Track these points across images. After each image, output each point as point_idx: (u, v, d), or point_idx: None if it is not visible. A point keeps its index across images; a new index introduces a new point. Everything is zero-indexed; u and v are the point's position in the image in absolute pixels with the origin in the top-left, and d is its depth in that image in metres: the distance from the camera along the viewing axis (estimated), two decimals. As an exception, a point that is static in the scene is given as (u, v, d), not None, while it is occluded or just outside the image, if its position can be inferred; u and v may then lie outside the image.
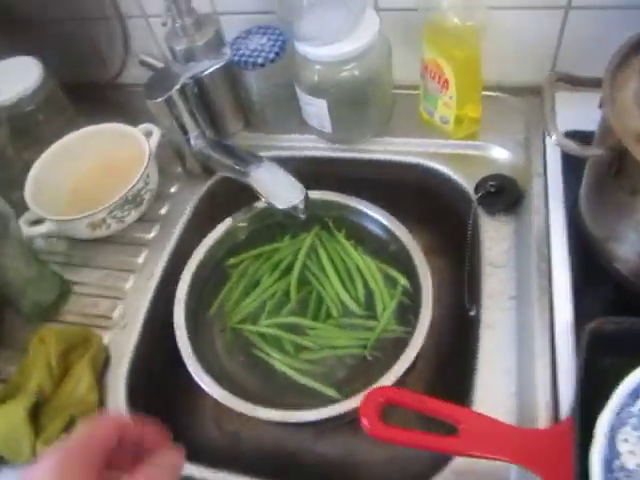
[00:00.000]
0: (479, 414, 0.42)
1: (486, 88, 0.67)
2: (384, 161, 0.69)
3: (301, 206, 0.51)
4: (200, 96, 0.67)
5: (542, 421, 0.46)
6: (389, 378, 0.51)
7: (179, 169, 0.74)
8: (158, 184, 0.70)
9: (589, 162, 0.54)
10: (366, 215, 0.65)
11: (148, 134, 0.70)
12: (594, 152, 0.45)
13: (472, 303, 0.59)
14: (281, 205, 0.51)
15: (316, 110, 0.64)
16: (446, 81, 0.61)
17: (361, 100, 0.64)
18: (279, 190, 0.51)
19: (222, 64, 0.66)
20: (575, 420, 0.41)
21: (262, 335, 0.61)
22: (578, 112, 0.60)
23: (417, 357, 0.53)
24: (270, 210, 0.62)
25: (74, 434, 0.35)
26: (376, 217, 0.64)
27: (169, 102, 0.62)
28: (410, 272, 0.60)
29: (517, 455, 0.39)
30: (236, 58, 0.65)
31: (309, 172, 0.69)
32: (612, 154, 0.45)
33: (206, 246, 0.64)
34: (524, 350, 0.51)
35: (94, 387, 0.55)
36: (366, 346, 0.58)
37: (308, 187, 0.59)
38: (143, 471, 0.33)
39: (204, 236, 0.65)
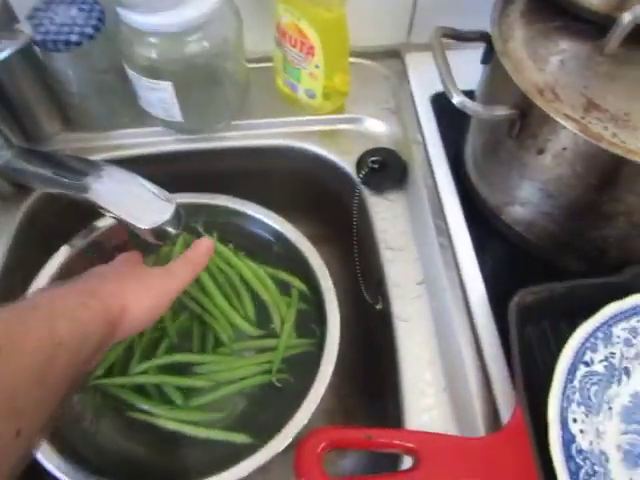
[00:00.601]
0: (436, 435, 0.36)
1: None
2: (248, 148, 0.59)
3: (172, 222, 0.38)
4: (-6, 92, 0.50)
5: (480, 412, 0.41)
6: (308, 407, 0.43)
7: (-21, 191, 0.56)
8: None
9: (477, 125, 0.51)
10: (240, 214, 0.55)
11: None
12: (501, 112, 0.41)
13: (376, 295, 0.53)
14: (145, 225, 0.37)
15: (160, 96, 0.51)
16: (311, 48, 0.52)
17: (213, 78, 0.52)
18: (136, 204, 0.38)
19: (19, 47, 0.49)
20: (524, 413, 0.37)
21: (137, 388, 0.48)
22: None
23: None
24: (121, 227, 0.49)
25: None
26: (253, 214, 0.54)
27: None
28: (304, 272, 0.52)
29: (487, 473, 0.34)
30: (39, 37, 0.49)
31: (159, 172, 0.56)
32: (515, 113, 0.41)
33: (39, 287, 0.48)
34: (444, 337, 0.46)
35: None
36: (271, 371, 0.49)
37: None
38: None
39: (33, 275, 0.49)
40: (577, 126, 0.38)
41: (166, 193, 0.39)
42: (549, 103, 0.39)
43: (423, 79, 0.62)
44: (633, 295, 0.42)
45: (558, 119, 0.38)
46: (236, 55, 0.54)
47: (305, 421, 0.42)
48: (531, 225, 0.47)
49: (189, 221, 0.53)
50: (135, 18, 0.47)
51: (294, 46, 0.54)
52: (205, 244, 0.43)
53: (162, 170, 0.57)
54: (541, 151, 0.42)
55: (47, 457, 0.40)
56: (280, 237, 0.53)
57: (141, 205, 0.38)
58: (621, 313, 0.41)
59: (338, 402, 0.58)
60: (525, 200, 0.46)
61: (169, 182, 0.52)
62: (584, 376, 0.39)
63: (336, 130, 0.60)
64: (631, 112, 0.39)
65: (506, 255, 0.51)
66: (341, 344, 0.47)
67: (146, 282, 0.40)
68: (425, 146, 0.56)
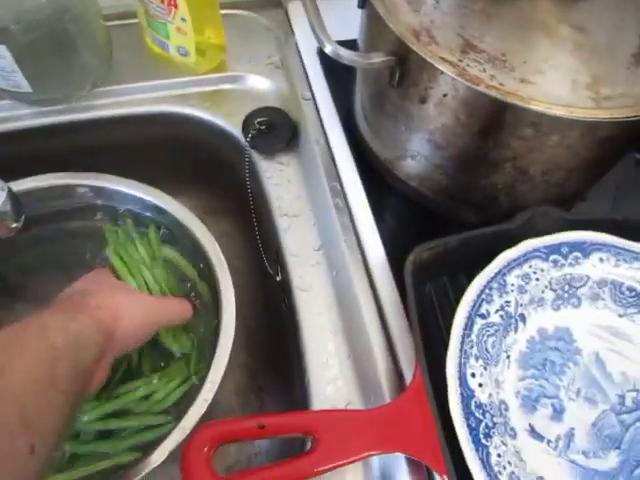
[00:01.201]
0: (332, 412, 0.34)
1: (221, 6, 0.55)
2: (118, 117, 0.53)
3: (7, 210, 0.32)
4: None
5: (385, 378, 0.40)
6: (203, 397, 0.39)
7: None
8: None
9: (361, 76, 0.48)
10: (116, 193, 0.49)
11: None
12: (375, 59, 0.38)
13: (276, 266, 0.50)
14: None
15: (-4, 62, 0.43)
16: (173, -1, 0.46)
17: (61, 39, 0.45)
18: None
19: None
20: (423, 373, 0.36)
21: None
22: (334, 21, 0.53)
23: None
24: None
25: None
26: (128, 192, 0.48)
27: None
28: (194, 251, 0.48)
29: (392, 441, 0.33)
30: None
31: (13, 153, 0.49)
32: (392, 60, 0.38)
33: None
34: (345, 304, 0.44)
35: None
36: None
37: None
38: None
39: None
40: (454, 70, 0.36)
41: (-1, 181, 0.33)
42: (425, 47, 0.37)
43: (309, 30, 0.58)
44: (524, 241, 0.41)
45: (435, 63, 0.36)
46: (85, 11, 0.46)
47: (202, 411, 0.39)
48: (424, 179, 0.46)
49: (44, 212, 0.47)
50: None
51: (156, -2, 0.47)
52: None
53: (16, 150, 0.50)
54: (423, 99, 0.39)
55: None
56: (165, 215, 0.48)
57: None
58: (513, 261, 0.41)
59: (250, 380, 0.55)
60: (415, 153, 0.44)
61: (23, 163, 0.46)
62: (481, 329, 0.39)
63: (218, 91, 0.55)
64: (507, 52, 0.37)
65: (403, 212, 0.49)
66: (247, 319, 0.44)
67: (135, 294, 0.42)
68: (315, 103, 0.53)
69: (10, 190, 0.32)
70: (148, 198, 0.48)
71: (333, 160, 0.49)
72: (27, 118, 0.51)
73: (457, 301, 0.43)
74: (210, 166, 0.57)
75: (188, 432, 0.38)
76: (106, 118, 0.53)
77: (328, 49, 0.38)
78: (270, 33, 0.59)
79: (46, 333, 0.31)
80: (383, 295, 0.43)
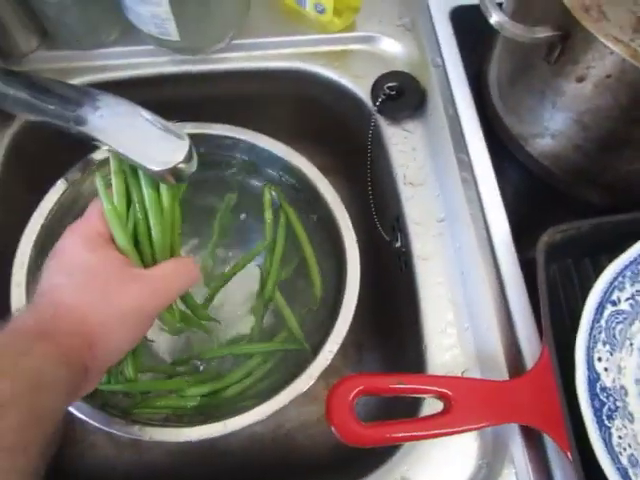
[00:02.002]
0: (465, 379, 0.36)
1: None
2: (250, 70, 0.54)
3: (186, 165, 0.34)
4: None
5: (504, 350, 0.41)
6: (330, 347, 0.42)
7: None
8: None
9: (506, 46, 0.46)
10: (245, 144, 0.50)
11: None
12: (544, 34, 0.37)
13: (393, 232, 0.51)
14: (157, 166, 0.33)
15: (152, 9, 0.45)
16: (319, -47, 0.46)
17: (211, -10, 0.46)
18: (144, 142, 0.33)
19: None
20: (552, 354, 0.37)
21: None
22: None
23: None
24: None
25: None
26: (259, 145, 0.49)
27: None
28: (317, 208, 0.49)
29: (514, 414, 0.34)
30: None
31: (150, 98, 0.51)
32: (557, 35, 0.37)
33: (34, 231, 0.44)
34: (466, 276, 0.45)
35: None
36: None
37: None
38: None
39: (26, 213, 0.46)
40: (626, 50, 0.34)
41: (177, 128, 0.35)
42: (595, 23, 0.36)
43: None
44: (663, 233, 0.40)
45: (606, 42, 0.34)
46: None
47: (327, 363, 0.41)
48: (559, 158, 0.45)
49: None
50: None
51: (302, -50, 0.47)
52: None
53: (153, 95, 0.52)
54: (581, 78, 0.38)
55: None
56: (290, 170, 0.50)
57: (150, 143, 0.34)
58: (650, 251, 0.40)
59: (352, 335, 0.57)
60: (556, 132, 0.43)
61: (162, 109, 0.48)
62: (610, 315, 0.39)
63: (347, 50, 0.55)
64: (687, 35, 0.36)
65: (530, 189, 0.49)
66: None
67: (118, 298, 0.32)
68: (445, 69, 0.52)
69: (191, 144, 0.34)
70: (278, 153, 0.49)
71: (461, 131, 0.49)
72: (167, 65, 0.53)
73: (580, 285, 0.43)
74: (332, 126, 0.58)
75: (313, 381, 0.41)
76: (238, 71, 0.54)
77: (494, 19, 0.37)
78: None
79: None
80: (505, 271, 0.43)
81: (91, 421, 0.39)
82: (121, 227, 0.36)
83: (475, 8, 0.55)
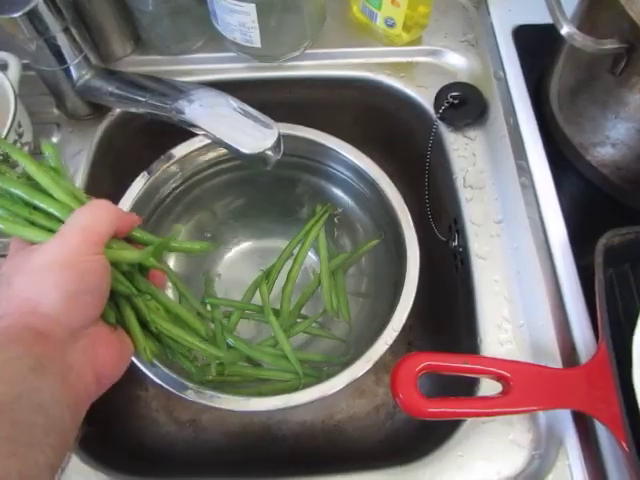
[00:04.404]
0: (524, 364, 0.37)
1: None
2: (322, 78, 0.58)
3: (272, 151, 0.37)
4: (75, 7, 0.49)
5: (559, 347, 0.43)
6: (389, 334, 0.44)
7: (55, 111, 0.56)
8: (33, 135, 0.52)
9: (569, 59, 0.49)
10: (319, 146, 0.53)
11: (2, 67, 0.51)
12: (612, 45, 0.39)
13: (449, 232, 0.54)
14: (248, 150, 0.37)
15: (240, 18, 0.50)
16: (393, -28, 0.50)
17: (294, 3, 0.51)
18: (237, 128, 0.37)
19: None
20: (609, 349, 0.38)
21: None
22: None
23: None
24: (204, 155, 0.49)
25: (73, 221, 0.31)
26: (332, 147, 0.53)
27: (33, 16, 0.44)
28: (382, 209, 0.52)
29: (567, 401, 0.36)
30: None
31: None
32: (624, 47, 0.39)
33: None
34: (523, 276, 0.47)
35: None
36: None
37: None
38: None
39: (115, 200, 0.50)
40: (694, 63, 0.36)
41: (267, 117, 0.39)
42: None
43: (504, 10, 0.60)
44: None
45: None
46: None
47: (386, 346, 0.43)
48: (620, 167, 0.47)
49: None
50: None
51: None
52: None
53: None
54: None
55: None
56: (359, 173, 0.53)
57: (243, 129, 0.38)
58: None
59: (409, 338, 0.59)
60: (617, 141, 0.45)
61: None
62: (668, 317, 0.40)
63: (412, 62, 0.58)
64: None
65: (588, 197, 0.50)
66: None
67: (35, 263, 0.29)
68: (506, 82, 0.55)
69: (279, 132, 0.38)
70: (348, 156, 0.52)
71: (521, 139, 0.51)
72: (247, 71, 0.58)
73: (638, 289, 0.44)
74: (394, 133, 0.61)
75: (369, 366, 0.43)
76: (310, 78, 0.58)
77: (565, 31, 0.40)
78: (466, 12, 0.61)
79: None
80: (562, 272, 0.45)
81: (167, 386, 0.42)
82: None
83: (537, 27, 0.58)
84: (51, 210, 0.32)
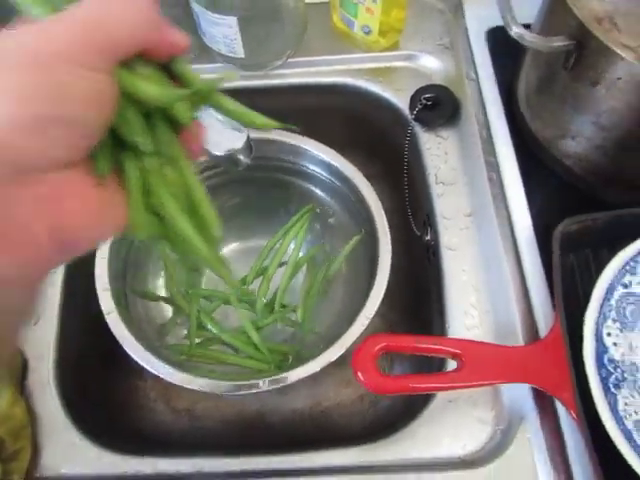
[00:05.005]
0: (477, 342, 0.40)
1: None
2: (305, 85, 0.62)
3: (242, 153, 0.41)
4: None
5: (522, 331, 0.45)
6: (360, 323, 0.47)
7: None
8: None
9: (531, 58, 0.51)
10: (296, 149, 0.57)
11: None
12: (559, 42, 0.42)
13: (424, 227, 0.56)
14: (220, 151, 0.41)
15: (223, 31, 0.54)
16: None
17: (275, 13, 0.55)
18: (208, 130, 0.41)
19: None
20: (562, 325, 0.40)
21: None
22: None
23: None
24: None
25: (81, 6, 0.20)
26: (308, 149, 0.57)
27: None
28: (359, 209, 0.55)
29: (522, 377, 0.38)
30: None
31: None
32: (572, 44, 0.42)
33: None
34: (490, 266, 0.49)
35: (17, 399, 0.46)
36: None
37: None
38: None
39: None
40: (634, 55, 0.39)
41: (236, 123, 0.42)
42: (606, 33, 0.40)
43: (479, 14, 0.62)
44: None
45: (615, 49, 0.39)
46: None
47: (358, 334, 0.46)
48: (580, 158, 0.49)
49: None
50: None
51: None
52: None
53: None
54: (596, 83, 0.43)
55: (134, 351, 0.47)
56: (337, 174, 0.56)
57: (213, 132, 0.41)
58: (663, 240, 0.43)
59: (386, 326, 0.62)
60: (577, 133, 0.47)
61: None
62: (621, 296, 0.42)
63: (390, 67, 0.61)
64: (691, 41, 0.39)
65: (553, 189, 0.52)
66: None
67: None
68: (478, 83, 0.57)
69: (248, 134, 0.41)
70: (325, 157, 0.56)
71: (491, 137, 0.54)
72: (235, 80, 0.61)
73: (598, 274, 0.46)
74: (374, 135, 0.64)
75: (344, 349, 0.46)
76: (294, 85, 0.62)
77: (514, 31, 0.42)
78: (443, 16, 0.64)
79: None
80: (527, 261, 0.47)
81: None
82: None
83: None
84: None
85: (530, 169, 0.52)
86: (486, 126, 0.55)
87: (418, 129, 0.58)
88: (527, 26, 0.50)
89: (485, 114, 0.55)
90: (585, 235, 0.45)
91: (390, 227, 0.53)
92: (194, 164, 0.26)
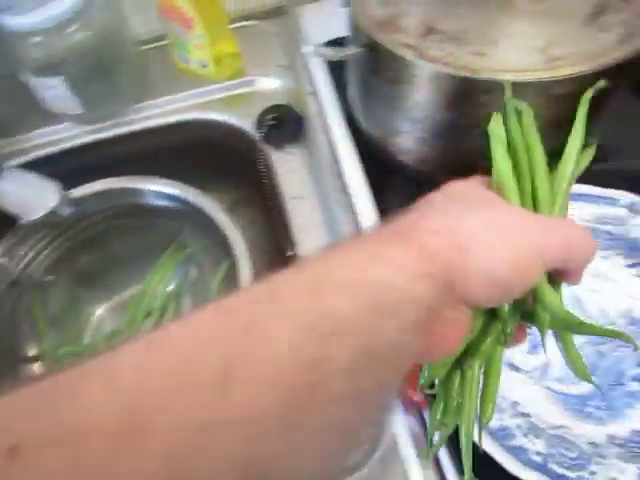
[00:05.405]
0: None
1: (233, 20, 0.63)
2: (153, 128, 0.62)
3: (60, 208, 0.41)
4: None
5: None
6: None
7: None
8: None
9: (350, 68, 0.53)
10: (145, 192, 0.58)
11: None
12: (347, 52, 0.44)
13: (287, 243, 0.57)
14: (37, 214, 0.41)
15: (54, 92, 0.54)
16: (190, 20, 0.55)
17: (104, 66, 0.55)
18: (30, 197, 0.41)
19: None
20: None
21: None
22: (333, 21, 0.60)
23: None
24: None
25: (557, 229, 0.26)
26: (165, 191, 0.57)
27: None
28: (218, 240, 0.56)
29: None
30: None
31: (75, 166, 0.60)
32: (362, 50, 0.44)
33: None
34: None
35: None
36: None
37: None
38: None
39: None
40: (413, 53, 0.41)
41: (52, 183, 0.42)
42: (389, 35, 0.42)
43: (312, 31, 0.64)
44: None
45: (394, 50, 0.41)
46: (124, 39, 0.56)
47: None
48: (410, 152, 0.51)
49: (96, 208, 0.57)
50: (7, 22, 0.49)
51: (176, 21, 0.56)
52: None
53: (76, 163, 0.60)
54: (396, 82, 0.44)
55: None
56: (188, 205, 0.57)
57: (32, 198, 0.41)
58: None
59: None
60: (399, 130, 0.49)
61: (86, 173, 0.56)
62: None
63: (236, 95, 0.63)
64: (466, 29, 0.42)
65: (397, 185, 0.54)
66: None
67: (509, 215, 0.25)
68: (317, 97, 0.59)
69: (62, 189, 0.41)
70: (179, 194, 0.56)
71: (334, 145, 0.55)
72: (81, 136, 0.61)
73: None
74: (234, 163, 0.65)
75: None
76: (146, 129, 0.62)
77: (305, 49, 0.44)
78: (280, 38, 0.66)
79: (320, 288, 0.19)
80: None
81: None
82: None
83: (338, 41, 0.63)
84: (540, 189, 0.30)
85: (374, 170, 0.54)
86: (329, 136, 0.56)
87: (269, 150, 0.59)
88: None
89: (327, 125, 0.57)
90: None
91: (255, 247, 0.53)
92: None
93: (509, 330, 0.28)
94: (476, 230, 0.23)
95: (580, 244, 0.26)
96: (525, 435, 0.37)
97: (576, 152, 0.32)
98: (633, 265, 0.45)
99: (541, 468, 0.35)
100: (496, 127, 0.33)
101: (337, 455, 0.20)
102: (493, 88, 0.40)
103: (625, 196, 0.46)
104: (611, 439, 0.38)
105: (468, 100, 0.42)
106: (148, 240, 0.61)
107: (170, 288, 0.59)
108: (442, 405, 0.29)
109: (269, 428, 0.17)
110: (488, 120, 0.43)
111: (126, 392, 0.16)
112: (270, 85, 0.63)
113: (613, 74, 0.39)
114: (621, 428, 0.38)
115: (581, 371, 0.30)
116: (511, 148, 0.33)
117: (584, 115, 0.34)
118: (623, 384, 0.40)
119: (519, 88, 0.40)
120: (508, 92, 0.36)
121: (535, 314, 0.27)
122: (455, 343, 0.25)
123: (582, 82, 0.40)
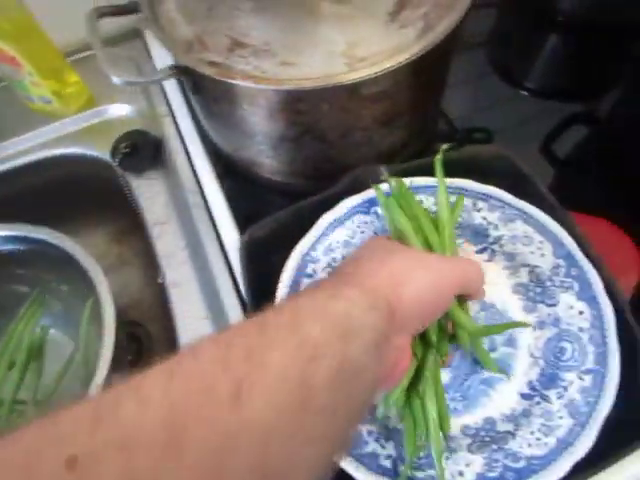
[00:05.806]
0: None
1: (78, 51, 0.61)
2: (11, 169, 0.60)
3: None
4: None
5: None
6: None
7: None
8: None
9: (193, 89, 0.52)
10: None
11: None
12: (162, 74, 0.43)
13: (159, 272, 0.56)
14: None
15: None
16: (14, 59, 0.53)
17: None
18: None
19: None
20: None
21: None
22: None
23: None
24: None
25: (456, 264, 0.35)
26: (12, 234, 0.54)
27: None
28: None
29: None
30: None
31: None
32: (173, 72, 0.43)
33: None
34: (211, 294, 0.49)
35: None
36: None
37: None
38: None
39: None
40: (218, 71, 0.40)
41: None
42: (195, 55, 0.41)
43: (163, 54, 0.63)
44: (342, 202, 0.45)
45: (197, 69, 0.40)
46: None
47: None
48: (263, 164, 0.50)
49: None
50: None
51: (2, 61, 0.54)
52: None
53: None
54: (216, 100, 0.44)
55: None
56: (48, 248, 0.54)
57: None
58: (335, 220, 0.45)
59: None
60: (242, 144, 0.49)
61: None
62: (309, 285, 0.43)
63: (90, 126, 0.61)
64: (272, 41, 0.42)
65: (255, 197, 0.54)
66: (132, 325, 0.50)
67: (417, 256, 0.33)
68: (174, 119, 0.58)
69: None
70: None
71: (193, 166, 0.54)
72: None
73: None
74: (102, 195, 0.63)
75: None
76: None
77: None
78: (132, 62, 0.64)
79: (297, 322, 0.24)
80: (237, 271, 0.47)
81: None
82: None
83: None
84: (430, 238, 0.38)
85: (234, 188, 0.53)
86: (188, 158, 0.55)
87: (130, 177, 0.57)
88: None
89: (185, 147, 0.56)
90: (277, 235, 0.45)
91: (140, 279, 0.52)
92: None
93: (443, 351, 0.36)
94: (400, 267, 0.30)
95: (474, 273, 0.34)
96: (377, 440, 0.37)
97: (446, 204, 0.39)
98: (481, 251, 0.45)
99: (390, 473, 0.35)
100: (391, 201, 0.40)
101: (328, 458, 0.24)
102: (307, 96, 0.40)
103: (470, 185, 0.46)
104: (464, 430, 0.38)
105: (288, 110, 0.42)
106: (5, 290, 0.58)
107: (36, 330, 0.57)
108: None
109: (274, 437, 0.21)
110: (313, 125, 0.42)
111: (159, 410, 0.19)
112: (123, 111, 0.61)
113: (418, 68, 0.39)
114: (475, 418, 0.38)
115: (490, 364, 0.38)
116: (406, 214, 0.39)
117: (441, 173, 0.40)
118: (477, 372, 0.40)
119: (328, 94, 0.40)
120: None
121: (457, 335, 0.36)
122: (405, 367, 0.32)
123: (390, 78, 0.40)
